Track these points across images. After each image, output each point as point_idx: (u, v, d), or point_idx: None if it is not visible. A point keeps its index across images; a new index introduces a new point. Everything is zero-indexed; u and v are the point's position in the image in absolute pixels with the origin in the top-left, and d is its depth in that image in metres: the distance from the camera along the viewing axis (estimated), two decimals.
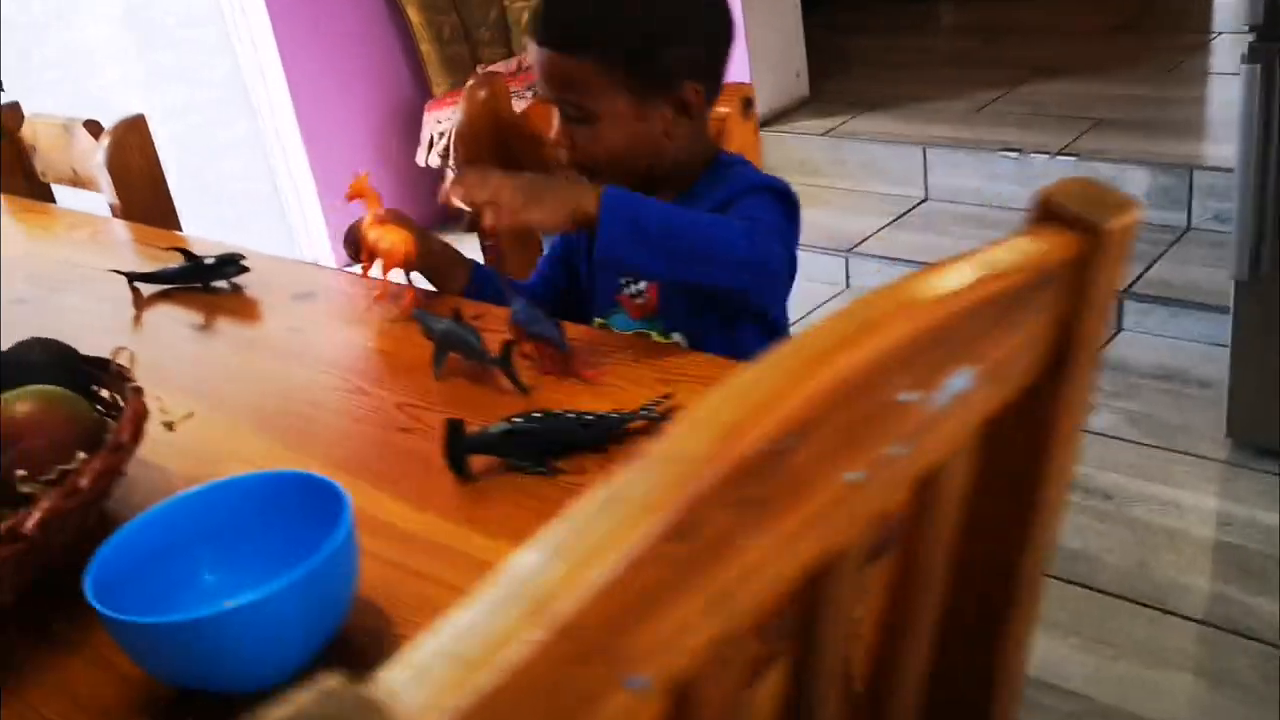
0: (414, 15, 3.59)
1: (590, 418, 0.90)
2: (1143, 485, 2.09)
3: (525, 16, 3.73)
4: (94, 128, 1.67)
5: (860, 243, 3.10)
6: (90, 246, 1.56)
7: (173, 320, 1.28)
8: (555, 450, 0.89)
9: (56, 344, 0.93)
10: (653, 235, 1.03)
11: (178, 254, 1.33)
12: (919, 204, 3.24)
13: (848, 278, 3.06)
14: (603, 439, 0.89)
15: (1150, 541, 1.94)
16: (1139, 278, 2.64)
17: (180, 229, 1.67)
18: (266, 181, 3.76)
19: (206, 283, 1.31)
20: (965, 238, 3.01)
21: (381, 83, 3.76)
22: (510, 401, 0.98)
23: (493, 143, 1.59)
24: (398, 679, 0.32)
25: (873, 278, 3.01)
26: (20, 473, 0.80)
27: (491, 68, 3.70)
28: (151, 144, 1.65)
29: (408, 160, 3.73)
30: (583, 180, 1.15)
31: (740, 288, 1.09)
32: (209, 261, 1.31)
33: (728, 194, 1.16)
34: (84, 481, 0.80)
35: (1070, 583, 1.86)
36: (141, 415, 0.87)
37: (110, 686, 0.73)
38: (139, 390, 0.89)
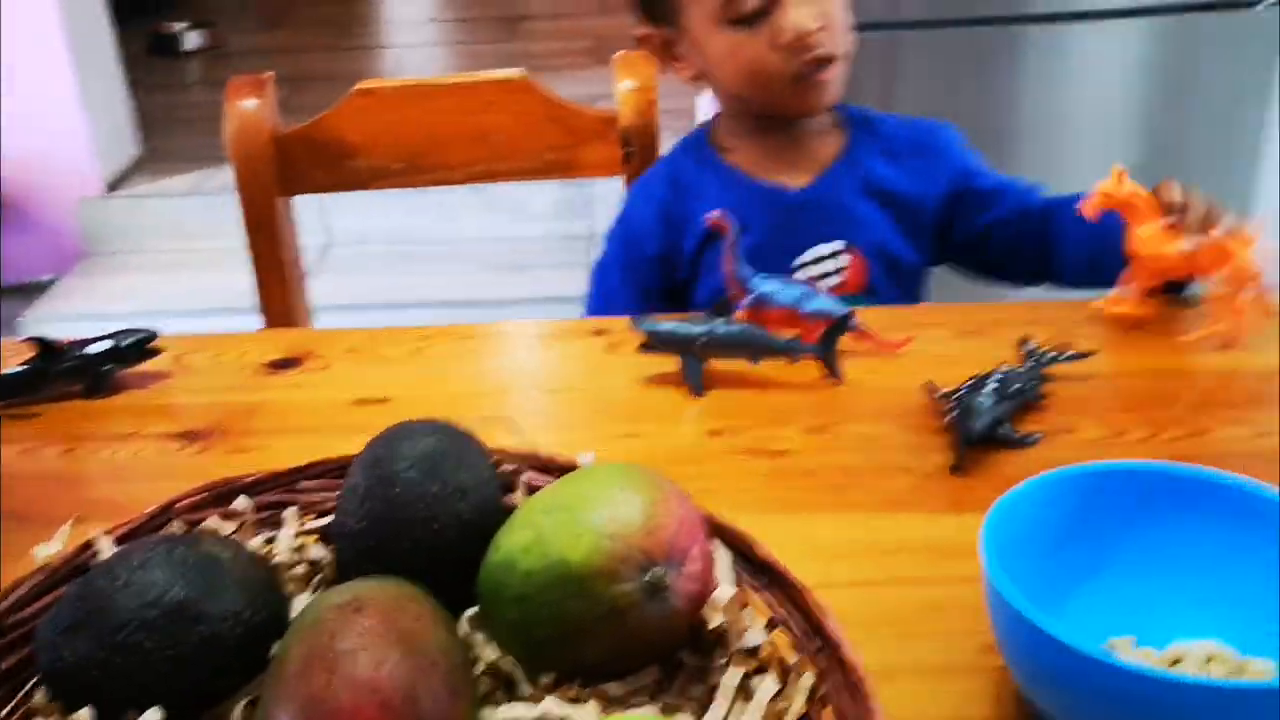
0: None
1: (1019, 370, 0.82)
2: None
3: None
4: None
5: None
6: None
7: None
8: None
9: (436, 423, 0.58)
10: None
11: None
12: (326, 250, 3.11)
13: None
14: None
15: None
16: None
17: None
18: None
19: (95, 383, 0.89)
20: (410, 274, 2.99)
21: None
22: (836, 395, 0.84)
23: (276, 164, 1.26)
24: None
25: None
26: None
27: None
28: None
29: None
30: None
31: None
32: (96, 350, 0.89)
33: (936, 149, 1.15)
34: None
35: None
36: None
37: None
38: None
